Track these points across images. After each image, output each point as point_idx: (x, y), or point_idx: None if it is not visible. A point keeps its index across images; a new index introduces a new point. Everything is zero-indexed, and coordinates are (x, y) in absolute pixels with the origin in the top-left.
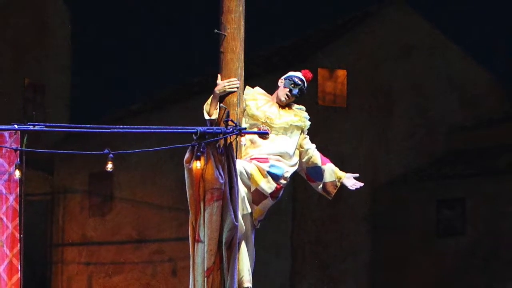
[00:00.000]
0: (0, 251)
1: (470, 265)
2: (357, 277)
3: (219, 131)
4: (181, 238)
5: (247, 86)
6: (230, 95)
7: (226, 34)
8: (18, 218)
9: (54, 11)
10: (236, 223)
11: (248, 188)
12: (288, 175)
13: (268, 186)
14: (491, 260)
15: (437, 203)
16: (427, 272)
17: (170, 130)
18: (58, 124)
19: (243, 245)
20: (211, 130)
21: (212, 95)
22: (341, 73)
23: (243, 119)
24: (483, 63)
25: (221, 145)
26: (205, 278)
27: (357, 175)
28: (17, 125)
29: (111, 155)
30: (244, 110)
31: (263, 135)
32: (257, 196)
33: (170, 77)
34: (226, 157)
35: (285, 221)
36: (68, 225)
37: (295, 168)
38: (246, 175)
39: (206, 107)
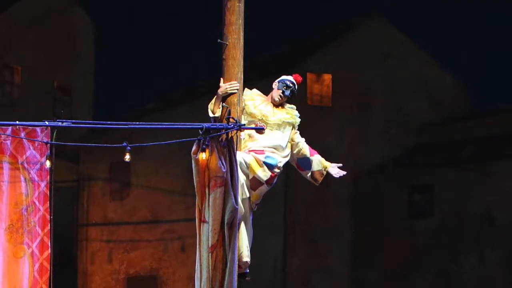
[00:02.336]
0: (33, 230)
1: (437, 242)
2: (340, 252)
3: (222, 127)
4: (189, 219)
5: (245, 88)
6: (231, 96)
7: (227, 43)
8: (48, 202)
9: (80, 23)
10: (236, 206)
11: (247, 176)
12: (281, 164)
13: (264, 174)
14: (455, 238)
15: (409, 189)
16: (400, 248)
17: (179, 126)
18: (83, 121)
19: (243, 225)
20: (215, 126)
21: (215, 96)
22: (327, 77)
23: (242, 116)
24: (448, 67)
25: (224, 139)
26: (210, 254)
27: (341, 164)
28: (48, 122)
29: (128, 147)
30: (243, 109)
31: (260, 130)
32: (254, 183)
33: (180, 81)
34: (228, 150)
35: (279, 204)
36: (92, 208)
37: (287, 158)
38: (245, 165)
39: (210, 106)
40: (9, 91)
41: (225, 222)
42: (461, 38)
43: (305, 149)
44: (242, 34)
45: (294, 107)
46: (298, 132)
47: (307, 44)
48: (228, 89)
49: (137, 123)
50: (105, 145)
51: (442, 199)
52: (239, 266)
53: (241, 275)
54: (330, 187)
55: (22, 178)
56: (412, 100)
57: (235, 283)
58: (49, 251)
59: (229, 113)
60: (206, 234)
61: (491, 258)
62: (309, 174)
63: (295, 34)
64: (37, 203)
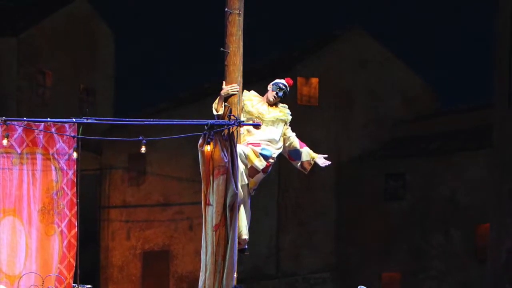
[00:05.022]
0: (62, 212)
1: (409, 222)
2: (326, 231)
3: (224, 123)
4: (196, 202)
5: (244, 90)
6: (232, 97)
7: (229, 51)
8: (75, 188)
9: (102, 34)
10: (237, 191)
11: (245, 165)
12: (275, 155)
13: (260, 163)
14: (424, 218)
15: (385, 176)
16: (377, 227)
17: (188, 123)
18: (105, 118)
19: (242, 208)
20: (218, 122)
21: (219, 97)
22: (314, 80)
23: (242, 114)
24: (419, 72)
25: (226, 134)
26: (214, 232)
27: (326, 155)
28: (75, 119)
29: (144, 141)
30: (243, 107)
31: (257, 126)
32: (252, 171)
33: (188, 83)
34: (229, 143)
35: (273, 189)
36: (112, 193)
37: (280, 150)
38: (244, 156)
39: (214, 105)
40: (42, 92)
41: (227, 205)
42: (430, 46)
43: (296, 142)
44: (241, 43)
45: (286, 106)
46: (290, 127)
47: (297, 52)
48: (230, 90)
49: (152, 120)
50: (124, 138)
51: (413, 185)
52: (239, 243)
53: (241, 250)
54: (317, 175)
55: (53, 167)
56: (387, 100)
57: (236, 257)
58: (76, 230)
59: (230, 112)
60: (210, 215)
61: (455, 236)
62: (299, 163)
63: (287, 44)
64: (65, 188)
